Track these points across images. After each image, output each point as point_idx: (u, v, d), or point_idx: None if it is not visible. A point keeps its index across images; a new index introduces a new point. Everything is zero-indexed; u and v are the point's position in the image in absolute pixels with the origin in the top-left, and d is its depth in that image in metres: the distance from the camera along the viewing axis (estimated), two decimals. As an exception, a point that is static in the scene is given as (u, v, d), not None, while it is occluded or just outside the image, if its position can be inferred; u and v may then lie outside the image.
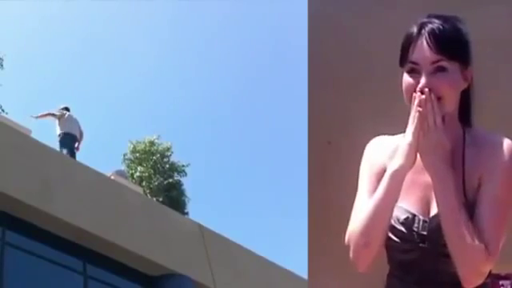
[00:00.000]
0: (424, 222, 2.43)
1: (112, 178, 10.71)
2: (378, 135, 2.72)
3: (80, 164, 9.62)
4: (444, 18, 2.39)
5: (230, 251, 10.71)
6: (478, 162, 2.39)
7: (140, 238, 9.16)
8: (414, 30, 2.40)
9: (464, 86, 2.41)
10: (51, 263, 8.41)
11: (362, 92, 3.68)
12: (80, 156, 11.64)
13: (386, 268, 2.67)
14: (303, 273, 11.99)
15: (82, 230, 8.42)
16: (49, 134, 12.40)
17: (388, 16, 3.63)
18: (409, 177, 2.41)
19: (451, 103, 2.38)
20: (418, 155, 2.37)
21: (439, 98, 2.33)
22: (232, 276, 10.33)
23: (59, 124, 12.08)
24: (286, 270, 11.64)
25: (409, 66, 2.38)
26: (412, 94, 2.36)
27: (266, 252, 11.65)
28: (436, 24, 2.36)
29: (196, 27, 27.95)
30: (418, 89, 2.33)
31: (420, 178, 2.44)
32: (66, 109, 12.47)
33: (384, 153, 2.56)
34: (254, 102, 30.50)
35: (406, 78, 2.40)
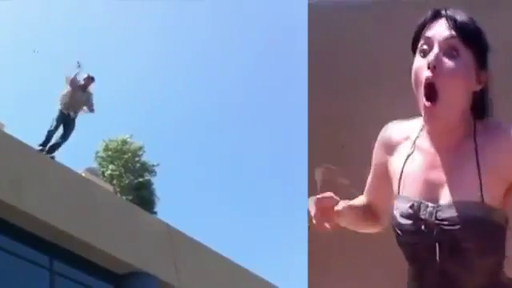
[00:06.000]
0: (433, 208, 2.22)
1: (83, 175, 10.75)
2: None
3: (52, 160, 9.65)
4: (465, 14, 2.25)
5: (196, 251, 10.80)
6: (502, 159, 2.18)
7: (108, 235, 9.22)
8: (430, 13, 2.27)
9: (475, 87, 2.21)
10: (18, 258, 8.42)
11: (362, 94, 3.64)
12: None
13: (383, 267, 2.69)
14: (269, 276, 12.18)
15: (50, 226, 8.45)
16: (22, 129, 12.08)
17: (391, 14, 3.59)
18: (416, 173, 2.29)
19: (451, 102, 2.17)
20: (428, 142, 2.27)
21: (435, 94, 2.14)
22: (197, 276, 10.42)
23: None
24: (251, 272, 11.74)
25: (421, 44, 2.22)
26: (419, 77, 2.19)
27: (233, 253, 11.82)
28: (455, 12, 2.23)
29: (178, 27, 28.00)
30: (427, 65, 2.16)
31: (426, 174, 2.28)
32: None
33: (389, 147, 2.44)
34: (238, 104, 30.58)
35: (416, 60, 2.24)
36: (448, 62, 2.14)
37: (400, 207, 2.27)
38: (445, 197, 2.20)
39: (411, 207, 2.24)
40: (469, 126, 2.23)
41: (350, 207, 2.51)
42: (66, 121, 10.43)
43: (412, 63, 2.26)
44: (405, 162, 2.32)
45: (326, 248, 3.56)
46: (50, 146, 10.29)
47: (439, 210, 2.19)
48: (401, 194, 2.30)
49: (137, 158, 17.71)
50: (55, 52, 24.73)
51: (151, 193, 16.79)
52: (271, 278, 12.19)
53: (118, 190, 15.76)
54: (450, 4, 3.52)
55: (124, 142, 17.87)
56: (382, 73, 3.59)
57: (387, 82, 3.51)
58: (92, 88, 10.71)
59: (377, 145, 2.51)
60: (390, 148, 2.42)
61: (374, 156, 2.53)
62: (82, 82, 10.59)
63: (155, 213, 14.68)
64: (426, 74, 2.16)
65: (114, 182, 16.40)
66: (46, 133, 10.36)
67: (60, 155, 10.38)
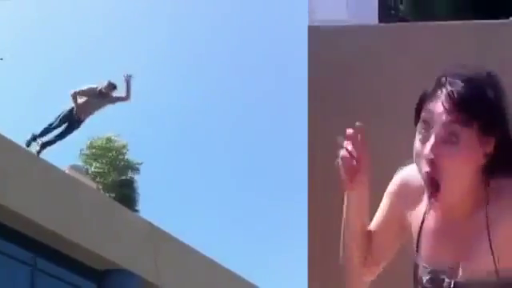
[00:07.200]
0: (448, 284, 2.15)
1: (67, 172, 10.80)
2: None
3: (36, 157, 9.70)
4: (468, 78, 2.04)
5: (178, 250, 10.91)
6: None
7: (91, 232, 9.30)
8: (430, 89, 2.08)
9: (481, 160, 2.05)
10: (0, 254, 8.50)
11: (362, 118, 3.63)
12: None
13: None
14: (251, 276, 12.28)
15: (34, 223, 8.52)
16: (5, 125, 11.96)
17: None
18: (432, 236, 2.20)
19: (454, 188, 2.06)
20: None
21: (437, 186, 2.05)
22: (178, 275, 10.54)
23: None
24: (233, 272, 11.85)
25: (419, 126, 2.08)
26: (420, 166, 2.08)
27: (216, 254, 11.91)
28: (456, 86, 2.02)
29: (169, 26, 28.07)
30: (423, 156, 2.04)
31: (447, 229, 2.18)
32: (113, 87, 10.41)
33: (406, 196, 2.31)
34: (226, 105, 30.66)
35: (416, 142, 2.09)
36: (446, 152, 2.00)
37: (421, 276, 2.23)
38: (460, 271, 2.14)
39: (431, 280, 2.20)
40: (480, 193, 2.10)
41: (366, 208, 2.39)
42: (72, 122, 10.32)
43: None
44: (423, 220, 2.23)
45: (327, 252, 3.59)
46: (44, 142, 10.18)
47: (456, 287, 2.13)
48: (419, 253, 2.25)
49: (121, 156, 17.76)
50: (52, 52, 24.75)
51: (133, 191, 16.85)
52: (255, 280, 12.30)
53: (101, 187, 15.83)
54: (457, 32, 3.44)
55: (109, 140, 17.91)
56: (380, 97, 3.56)
57: (388, 109, 3.47)
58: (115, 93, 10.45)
59: (393, 190, 2.38)
60: (408, 198, 2.30)
61: (387, 200, 2.40)
62: (103, 90, 10.33)
63: (137, 211, 14.76)
64: (425, 168, 2.05)
65: (98, 179, 16.46)
66: (43, 128, 10.25)
67: (45, 152, 10.43)
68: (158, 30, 26.37)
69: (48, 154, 10.28)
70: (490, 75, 2.07)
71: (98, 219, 9.66)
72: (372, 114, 3.59)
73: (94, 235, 9.35)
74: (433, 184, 2.05)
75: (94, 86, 10.36)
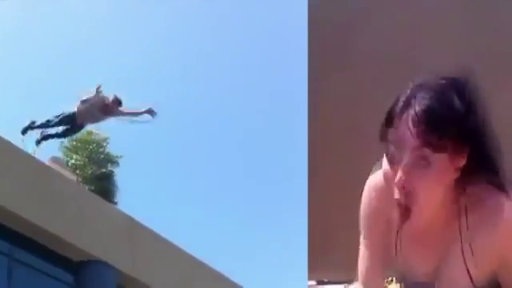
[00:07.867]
0: None
1: (47, 164, 10.85)
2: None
3: (16, 148, 9.75)
4: (435, 93, 1.93)
5: (155, 243, 11.00)
6: (491, 241, 2.05)
7: (69, 224, 9.35)
8: (398, 107, 1.97)
9: (453, 176, 1.99)
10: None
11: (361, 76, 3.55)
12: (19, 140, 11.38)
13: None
14: (232, 274, 12.35)
15: (12, 213, 8.56)
16: None
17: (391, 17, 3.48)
18: (408, 243, 2.18)
19: (426, 209, 2.03)
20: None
21: (408, 212, 2.02)
22: (155, 267, 10.61)
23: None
24: (212, 268, 11.93)
25: (387, 150, 2.01)
26: (389, 182, 2.04)
27: (193, 247, 12.00)
28: (423, 105, 1.91)
29: (162, 22, 28.03)
30: (395, 182, 1.98)
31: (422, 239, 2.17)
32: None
33: (387, 197, 2.17)
34: (211, 99, 30.62)
35: (385, 163, 2.05)
36: (417, 177, 1.95)
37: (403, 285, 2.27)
38: (437, 281, 2.15)
39: None
40: (455, 203, 2.07)
41: None
42: (72, 124, 10.56)
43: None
44: (398, 230, 2.18)
45: (327, 255, 3.60)
46: (46, 135, 10.51)
47: None
48: (398, 263, 2.23)
49: (101, 149, 17.79)
50: (48, 52, 24.71)
51: (112, 183, 16.89)
52: (236, 278, 12.34)
53: (81, 180, 15.85)
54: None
55: (89, 133, 17.94)
56: (379, 53, 3.52)
57: (386, 64, 3.43)
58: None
59: (374, 195, 2.29)
60: (389, 198, 2.16)
61: (368, 212, 2.33)
62: (108, 102, 10.37)
63: (115, 203, 14.84)
64: (396, 195, 2.01)
65: (78, 171, 16.48)
66: (41, 122, 10.50)
67: (25, 144, 10.50)
68: (147, 29, 26.40)
69: (29, 146, 10.39)
70: (459, 81, 1.96)
71: (76, 211, 9.71)
72: (371, 70, 3.55)
73: (72, 227, 9.39)
74: (403, 211, 2.03)
75: (105, 95, 10.45)
